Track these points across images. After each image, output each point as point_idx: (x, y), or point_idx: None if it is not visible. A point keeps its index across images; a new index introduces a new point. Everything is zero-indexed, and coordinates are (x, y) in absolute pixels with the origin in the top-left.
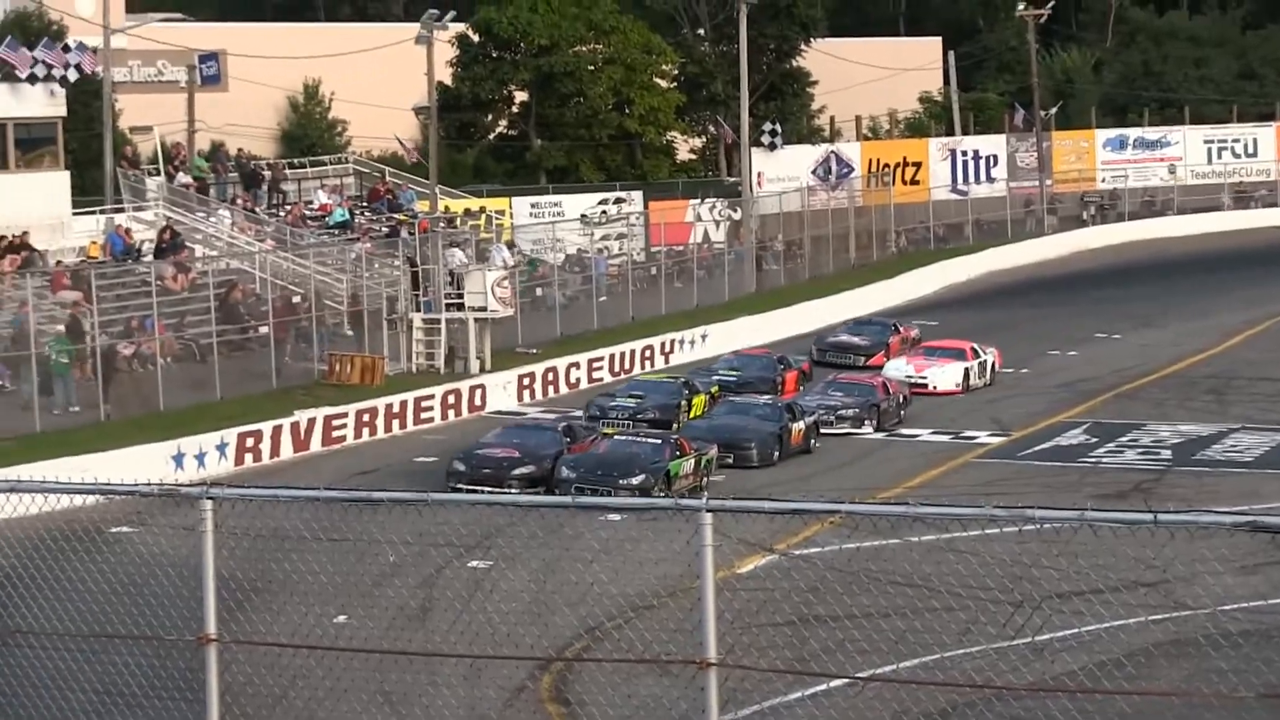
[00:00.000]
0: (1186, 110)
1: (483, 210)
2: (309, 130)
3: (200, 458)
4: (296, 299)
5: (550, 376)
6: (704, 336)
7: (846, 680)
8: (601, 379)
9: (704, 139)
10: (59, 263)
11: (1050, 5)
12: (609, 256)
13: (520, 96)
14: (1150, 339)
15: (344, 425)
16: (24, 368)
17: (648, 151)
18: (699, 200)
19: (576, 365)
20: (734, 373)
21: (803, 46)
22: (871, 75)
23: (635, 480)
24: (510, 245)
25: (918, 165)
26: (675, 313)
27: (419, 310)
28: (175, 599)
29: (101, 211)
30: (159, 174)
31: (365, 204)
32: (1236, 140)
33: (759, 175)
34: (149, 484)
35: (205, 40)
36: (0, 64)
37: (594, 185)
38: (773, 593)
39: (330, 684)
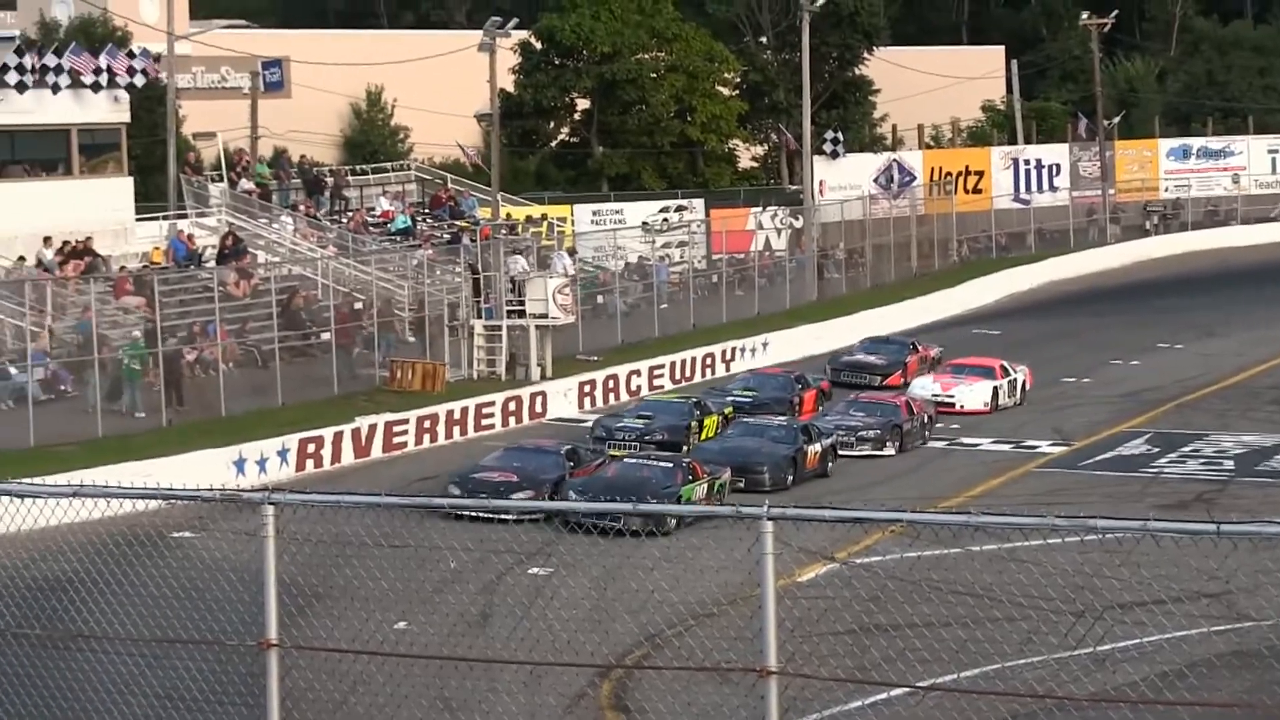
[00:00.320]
0: (1250, 120)
1: (544, 217)
2: (371, 137)
3: (262, 463)
4: (358, 305)
5: (611, 384)
6: (765, 344)
7: (907, 689)
8: (662, 386)
9: (766, 147)
10: (122, 268)
11: (1114, 14)
12: (670, 264)
13: (582, 104)
14: (1213, 349)
15: (405, 431)
16: (87, 372)
17: (709, 159)
18: (760, 208)
19: (637, 372)
20: (749, 393)
21: (865, 55)
22: (934, 84)
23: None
24: (572, 253)
25: (980, 174)
26: (736, 320)
27: (480, 317)
28: (236, 604)
29: (165, 217)
30: (222, 180)
31: (427, 211)
32: None
33: (821, 183)
34: (211, 489)
35: (268, 47)
36: (65, 70)
37: (656, 193)
38: (833, 601)
39: (390, 690)
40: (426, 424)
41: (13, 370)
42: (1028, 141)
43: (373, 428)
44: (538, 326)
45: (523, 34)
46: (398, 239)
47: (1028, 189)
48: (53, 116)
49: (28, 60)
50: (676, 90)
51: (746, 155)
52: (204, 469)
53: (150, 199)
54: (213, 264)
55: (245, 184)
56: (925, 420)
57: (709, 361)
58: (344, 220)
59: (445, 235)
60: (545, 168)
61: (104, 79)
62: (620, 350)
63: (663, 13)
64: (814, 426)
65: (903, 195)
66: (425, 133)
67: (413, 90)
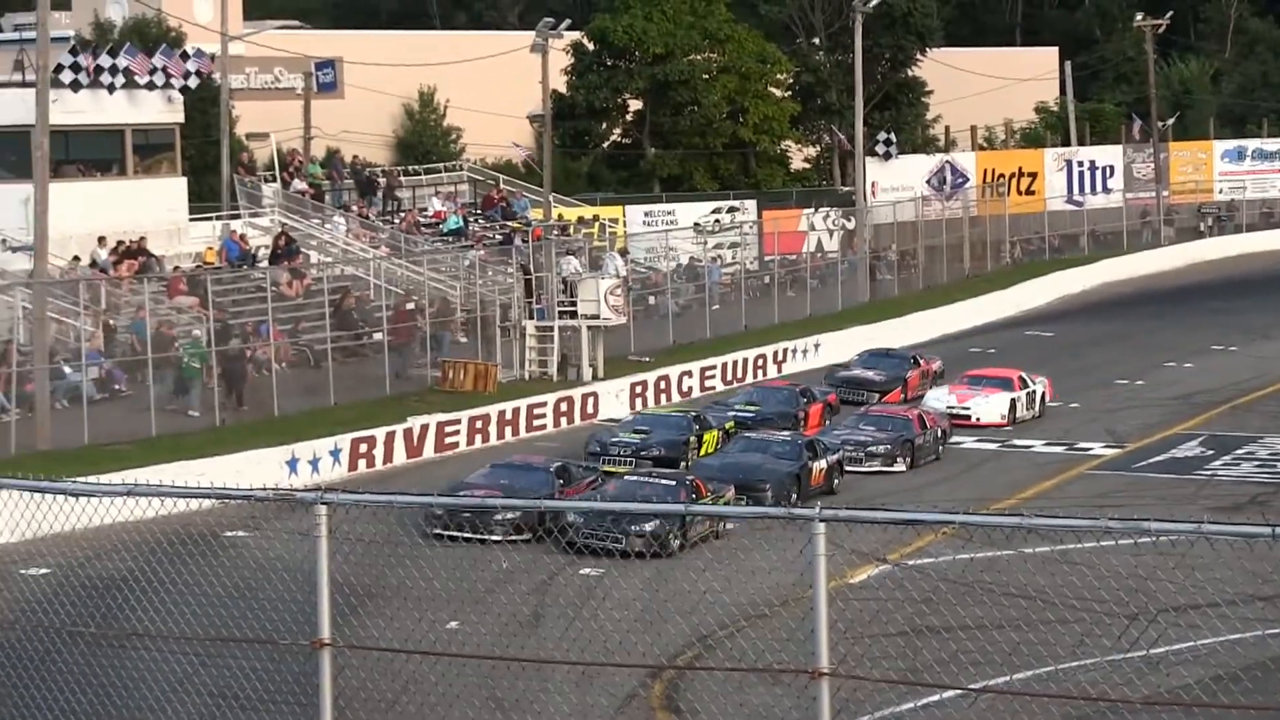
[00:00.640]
0: None
1: (596, 218)
2: (424, 137)
3: (314, 463)
4: (410, 306)
5: (662, 385)
6: (817, 346)
7: (959, 691)
8: (714, 387)
9: (818, 148)
10: (176, 268)
11: (1168, 16)
12: (722, 265)
13: (635, 105)
14: (1267, 351)
15: (457, 432)
16: (139, 371)
17: (762, 160)
18: (813, 209)
19: (689, 373)
20: (752, 407)
21: (918, 56)
22: (987, 85)
23: (648, 526)
24: (624, 253)
25: (1033, 175)
26: (788, 322)
27: (532, 318)
28: (289, 603)
29: (218, 218)
30: (275, 180)
31: (479, 211)
32: None
33: (873, 184)
34: (264, 489)
35: (321, 48)
36: (120, 71)
37: (708, 194)
38: (885, 603)
39: (442, 690)
40: (478, 424)
41: (68, 370)
42: (1081, 143)
43: (425, 428)
44: (589, 327)
45: (575, 35)
46: (450, 239)
47: (1081, 191)
48: (107, 117)
49: (82, 60)
50: (729, 91)
51: (799, 156)
52: (257, 468)
53: (204, 199)
54: (266, 264)
55: (298, 184)
56: (939, 434)
57: (760, 363)
58: (396, 221)
59: (497, 236)
60: (597, 169)
61: (158, 79)
62: (672, 351)
63: (715, 14)
64: (819, 442)
65: (955, 196)
66: (477, 133)
67: (465, 91)
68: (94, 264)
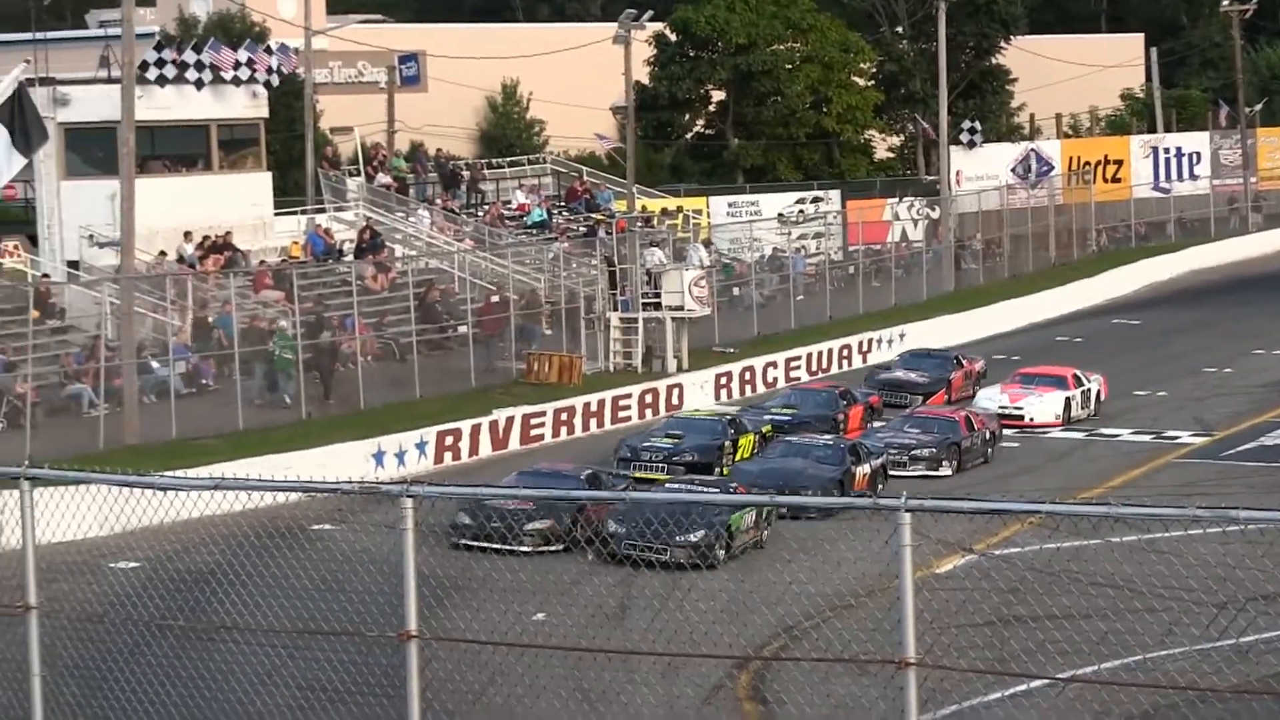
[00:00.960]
0: None
1: (680, 210)
2: (507, 130)
3: (400, 456)
4: (495, 298)
5: (747, 375)
6: (902, 335)
7: (1047, 681)
8: (799, 378)
9: (902, 137)
10: (262, 263)
11: (1255, 1)
12: (806, 255)
13: (717, 95)
14: None
15: (542, 424)
16: (226, 365)
17: (845, 150)
18: (897, 199)
19: (774, 364)
20: (789, 410)
21: (1002, 44)
22: (1072, 72)
23: (694, 536)
24: (707, 244)
25: (1119, 163)
26: (873, 312)
27: (616, 309)
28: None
29: (303, 212)
30: (359, 174)
31: (563, 203)
32: None
33: (957, 173)
34: (350, 482)
35: (405, 41)
36: (204, 66)
37: (791, 184)
38: (972, 593)
39: (529, 681)
40: (563, 416)
41: (155, 364)
42: (1167, 130)
43: (510, 420)
44: (674, 318)
45: (657, 26)
46: (533, 232)
47: (1167, 178)
48: (192, 112)
49: (167, 56)
50: (812, 81)
51: (883, 146)
52: (343, 462)
53: (288, 193)
54: (350, 258)
55: (382, 178)
56: (987, 436)
57: (845, 353)
58: (480, 213)
59: (581, 228)
60: (680, 160)
61: (243, 74)
62: (756, 342)
63: (798, 3)
64: (862, 446)
65: (1041, 185)
66: (560, 126)
67: (548, 83)
68: (180, 259)
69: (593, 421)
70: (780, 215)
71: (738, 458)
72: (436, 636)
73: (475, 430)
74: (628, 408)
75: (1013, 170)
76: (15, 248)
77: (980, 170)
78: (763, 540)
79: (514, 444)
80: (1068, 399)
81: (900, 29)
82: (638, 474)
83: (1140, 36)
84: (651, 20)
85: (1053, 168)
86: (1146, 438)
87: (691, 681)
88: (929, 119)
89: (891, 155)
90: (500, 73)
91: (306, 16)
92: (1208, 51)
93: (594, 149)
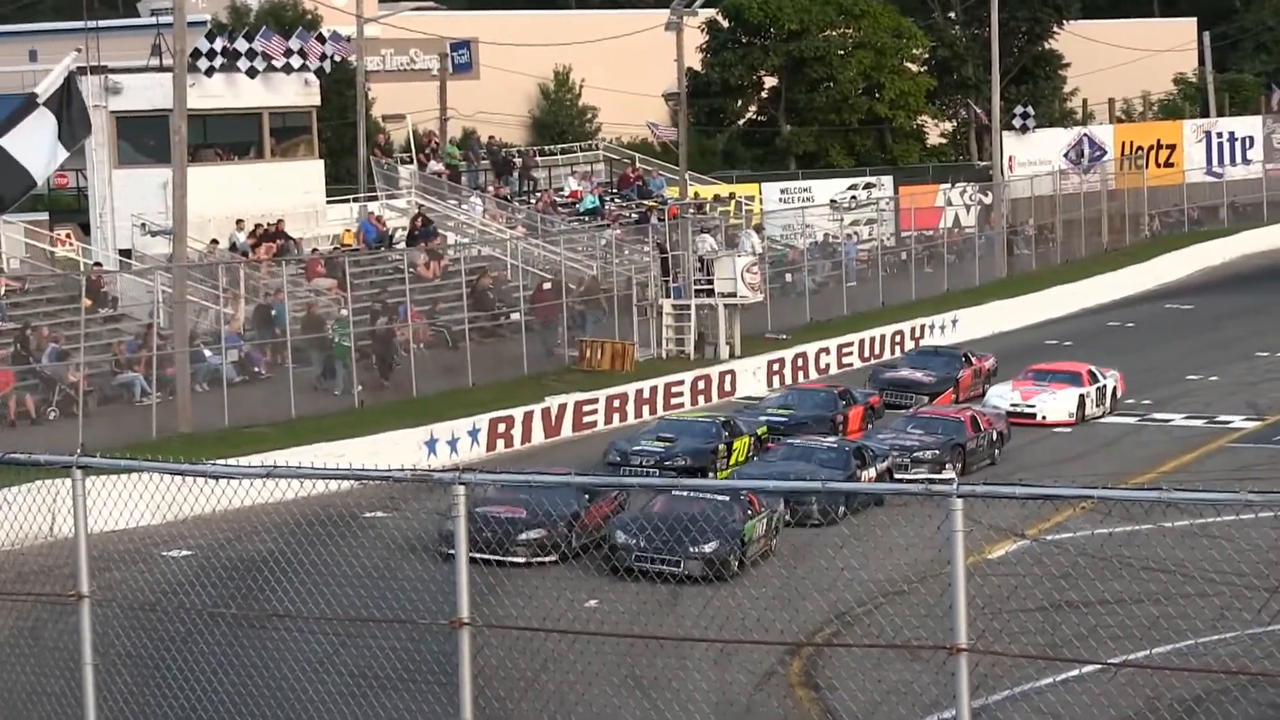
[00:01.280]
0: None
1: (732, 196)
2: (559, 117)
3: (453, 443)
4: (547, 285)
5: (800, 362)
6: (954, 321)
7: (1098, 666)
8: (851, 364)
9: (954, 123)
10: (314, 250)
11: None
12: (859, 242)
13: (770, 82)
14: None
15: (594, 411)
16: (279, 353)
17: (898, 136)
18: (949, 184)
19: (826, 351)
20: (785, 411)
21: (1055, 29)
22: (1124, 57)
23: (708, 547)
24: (759, 229)
25: (1172, 148)
26: (925, 298)
27: (669, 296)
28: (428, 583)
29: (355, 199)
30: (411, 162)
31: (615, 190)
32: None
33: (1010, 159)
34: (402, 469)
35: (457, 28)
36: (256, 54)
37: (844, 170)
38: (1024, 578)
39: (581, 668)
40: (616, 403)
41: (207, 353)
42: (1220, 114)
43: (563, 407)
44: (726, 305)
45: (710, 12)
46: (586, 219)
47: (1220, 162)
48: (244, 100)
49: (219, 45)
50: (864, 67)
51: (935, 131)
52: (396, 449)
53: (340, 181)
54: (403, 245)
55: (434, 165)
56: (995, 437)
57: (898, 339)
58: (532, 201)
59: (633, 215)
60: (733, 146)
61: (294, 62)
62: (809, 329)
63: None
64: (867, 448)
65: (1093, 170)
66: (612, 112)
67: (600, 70)
68: (233, 247)
69: (645, 408)
70: (832, 201)
71: (732, 461)
72: (488, 624)
73: (528, 417)
74: (680, 394)
75: (1065, 155)
76: (68, 236)
77: (1033, 155)
78: (772, 549)
79: (566, 431)
80: (1082, 396)
81: (953, 14)
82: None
83: (1193, 20)
84: (704, 7)
85: (1105, 153)
86: (1199, 422)
87: (744, 668)
88: (981, 104)
89: (944, 141)
90: (552, 60)
91: (359, 4)
92: (1261, 35)
93: (646, 135)
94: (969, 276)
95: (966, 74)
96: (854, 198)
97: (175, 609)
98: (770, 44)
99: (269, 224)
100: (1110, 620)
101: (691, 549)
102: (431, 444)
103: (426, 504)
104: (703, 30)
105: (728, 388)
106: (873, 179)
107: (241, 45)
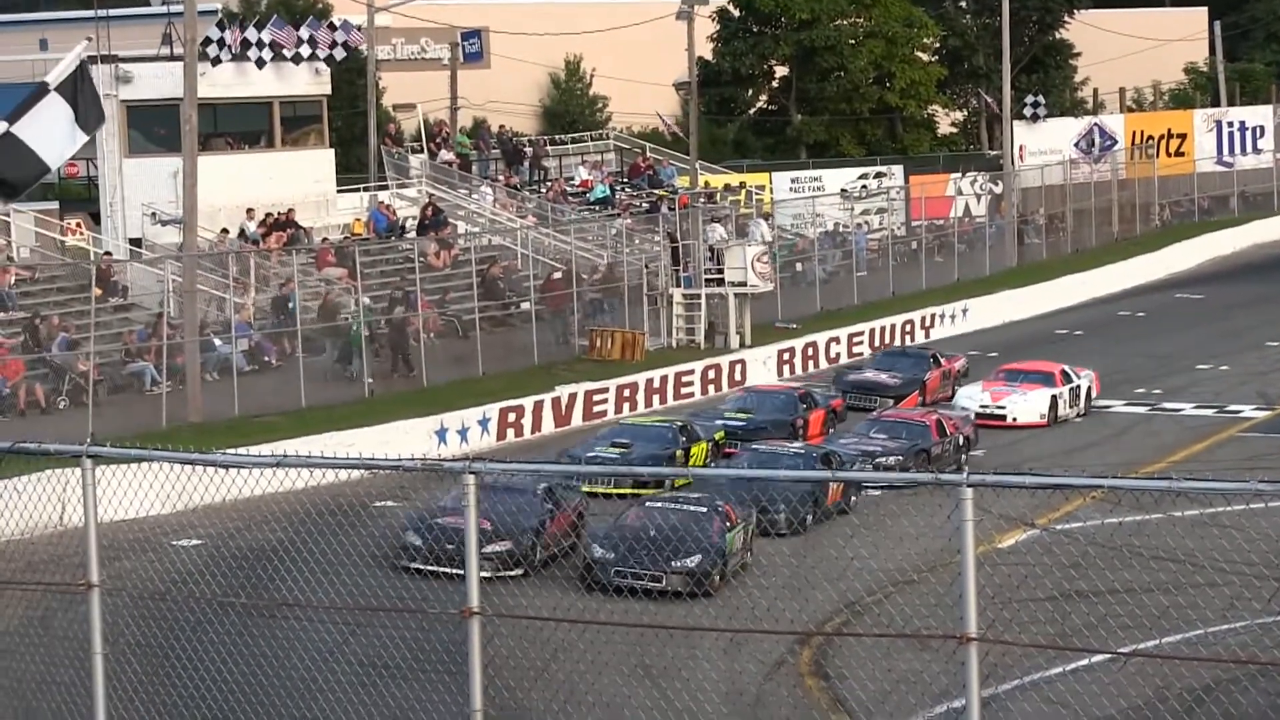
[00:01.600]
0: None
1: (743, 185)
2: (570, 106)
3: (463, 432)
4: (557, 275)
5: (810, 351)
6: (965, 311)
7: (1108, 655)
8: (861, 353)
9: (965, 112)
10: (324, 240)
11: None
12: (869, 231)
13: (781, 71)
14: None
15: (605, 400)
16: (289, 342)
17: (908, 125)
18: (960, 174)
19: (836, 340)
20: (743, 415)
21: (1066, 18)
22: (1135, 46)
23: (691, 562)
24: (766, 217)
25: (1182, 137)
26: (936, 287)
27: (679, 285)
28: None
29: (365, 189)
30: (422, 151)
31: (626, 180)
32: None
33: (1021, 148)
34: (413, 459)
35: (467, 18)
36: (266, 44)
37: (854, 159)
38: (1034, 568)
39: (591, 657)
40: (626, 392)
41: (217, 342)
42: (1231, 104)
43: (573, 397)
44: (736, 294)
45: (721, 1)
46: (596, 208)
47: (1231, 152)
48: (255, 89)
49: (229, 34)
50: (875, 56)
51: (946, 121)
52: (406, 439)
53: (351, 170)
54: (413, 235)
55: (445, 155)
56: (961, 442)
57: (908, 328)
58: (543, 190)
59: (644, 204)
60: (743, 135)
61: (304, 51)
62: (819, 318)
63: None
64: (835, 454)
65: (1104, 159)
66: (623, 102)
67: (611, 59)
68: (243, 236)
69: (655, 398)
70: (843, 191)
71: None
72: (499, 613)
73: (538, 407)
74: (690, 384)
75: (1076, 145)
76: (78, 225)
77: (1043, 145)
78: (748, 562)
79: (577, 420)
80: (1054, 397)
81: (963, 3)
82: (585, 487)
83: (1204, 10)
84: None
85: (1116, 142)
86: (1209, 412)
87: (754, 657)
88: (992, 94)
89: (954, 130)
90: (563, 49)
91: None
92: (1271, 25)
93: (657, 125)
94: (979, 266)
95: (977, 63)
96: (864, 187)
97: (185, 598)
98: (781, 33)
99: (279, 213)
100: (1120, 610)
101: (673, 563)
102: (442, 433)
103: (437, 493)
104: (713, 19)
105: (738, 377)
106: (883, 168)
107: (252, 34)
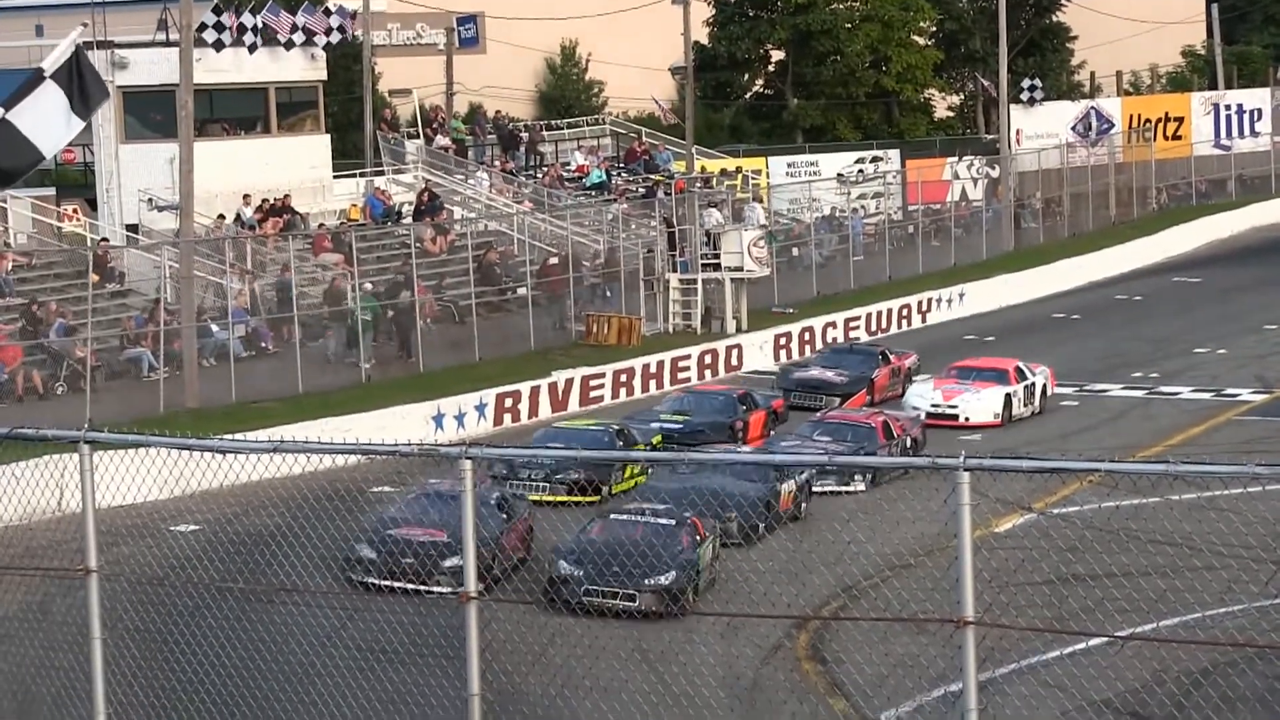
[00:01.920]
0: None
1: (739, 170)
2: (566, 92)
3: (460, 418)
4: (554, 260)
5: (806, 336)
6: (961, 295)
7: (1105, 639)
8: (857, 338)
9: (962, 96)
10: (321, 225)
11: None
12: (865, 215)
13: (777, 55)
14: None
15: (601, 385)
16: (286, 328)
17: (905, 109)
18: (956, 158)
19: (833, 324)
20: (680, 417)
21: (1062, 1)
22: (1132, 29)
23: (665, 579)
24: (759, 201)
25: (1179, 120)
26: (932, 272)
27: (675, 270)
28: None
29: (361, 174)
30: (418, 137)
31: (622, 165)
32: None
33: (1017, 132)
34: (409, 444)
35: (463, 3)
36: (262, 29)
37: (850, 144)
38: (1031, 551)
39: (589, 642)
40: (623, 378)
41: (214, 327)
42: (1228, 86)
43: (569, 382)
44: (733, 279)
45: None
46: (592, 193)
47: (1228, 134)
48: (250, 75)
49: (225, 19)
50: (871, 40)
51: (942, 105)
52: (402, 424)
53: (347, 156)
54: (409, 220)
55: (441, 140)
56: (908, 444)
57: (905, 313)
58: (539, 175)
59: (640, 189)
60: (739, 120)
61: (299, 37)
62: (815, 302)
63: None
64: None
65: (1101, 143)
66: (619, 87)
67: (607, 44)
68: (239, 222)
69: (652, 383)
70: (839, 175)
71: (627, 473)
72: (496, 598)
73: (534, 392)
74: (687, 369)
75: (1073, 128)
76: (74, 211)
77: (1040, 128)
78: (716, 575)
79: (573, 405)
80: (1008, 395)
81: None
82: (531, 496)
83: None
84: None
85: (1113, 125)
86: (1206, 395)
87: (751, 641)
88: (989, 77)
89: (951, 114)
90: (559, 34)
91: None
92: (1269, 7)
93: (653, 110)
94: (976, 250)
95: (974, 47)
96: (861, 171)
97: (183, 583)
98: (777, 17)
99: (275, 199)
100: (1117, 593)
101: (646, 580)
102: (439, 419)
103: (434, 479)
104: (709, 3)
105: (734, 362)
106: (880, 152)
107: (248, 20)
